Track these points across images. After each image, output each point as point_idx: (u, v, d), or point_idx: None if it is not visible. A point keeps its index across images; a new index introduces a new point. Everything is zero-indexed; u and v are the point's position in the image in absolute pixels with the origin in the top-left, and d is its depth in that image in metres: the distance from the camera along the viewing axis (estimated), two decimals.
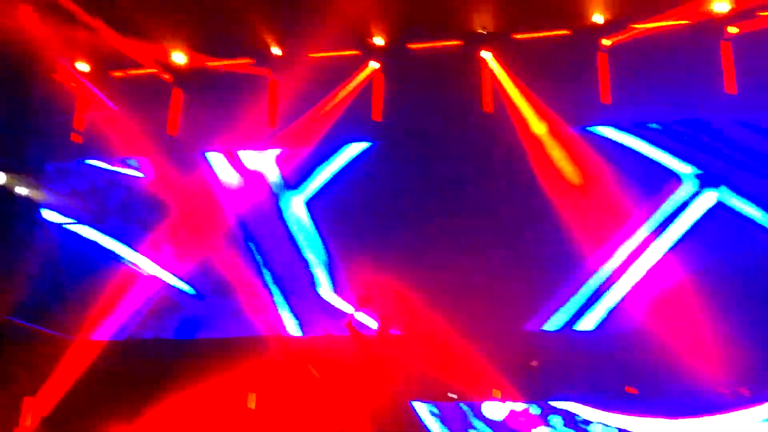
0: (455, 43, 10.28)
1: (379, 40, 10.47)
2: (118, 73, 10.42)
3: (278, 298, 9.97)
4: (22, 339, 9.20)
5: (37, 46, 8.97)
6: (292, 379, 8.92)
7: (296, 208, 10.37)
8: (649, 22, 9.50)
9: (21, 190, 8.51)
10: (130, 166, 10.85)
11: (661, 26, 9.52)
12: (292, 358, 8.97)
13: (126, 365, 9.63)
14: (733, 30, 9.25)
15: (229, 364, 9.15)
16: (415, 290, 8.67)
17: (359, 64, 10.55)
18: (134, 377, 9.48)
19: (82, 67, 10.44)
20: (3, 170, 8.45)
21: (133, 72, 10.74)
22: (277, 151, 10.68)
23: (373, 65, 10.48)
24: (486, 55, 10.19)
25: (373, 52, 10.51)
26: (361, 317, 7.56)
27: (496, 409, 8.52)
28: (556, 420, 8.40)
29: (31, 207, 8.86)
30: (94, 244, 10.27)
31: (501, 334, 9.10)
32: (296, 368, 8.84)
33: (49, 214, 9.73)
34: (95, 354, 9.58)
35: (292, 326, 9.79)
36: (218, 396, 8.97)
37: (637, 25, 9.60)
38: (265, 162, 10.63)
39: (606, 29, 9.80)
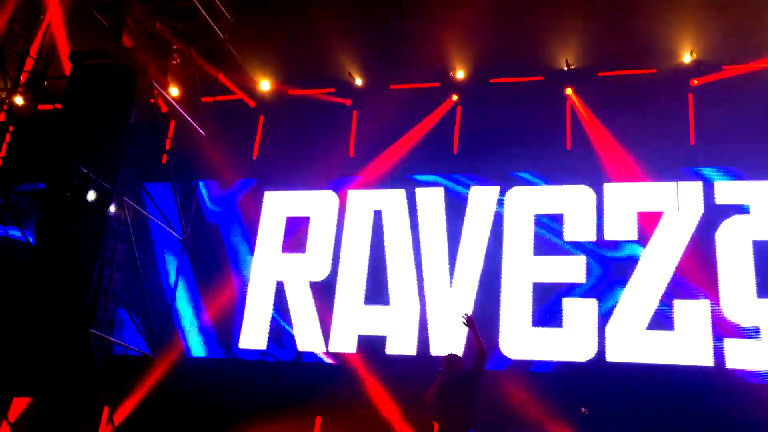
0: (538, 78, 10.28)
1: (460, 74, 10.57)
2: (207, 99, 10.79)
3: None
4: (105, 352, 9.55)
5: (137, 71, 9.40)
6: None
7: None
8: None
9: (113, 209, 8.89)
10: (216, 190, 11.20)
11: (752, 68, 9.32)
12: None
13: (197, 382, 9.89)
14: None
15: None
16: None
17: (440, 97, 10.65)
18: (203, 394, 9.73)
19: (174, 92, 10.91)
20: (96, 188, 8.84)
21: (222, 98, 11.16)
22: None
23: (454, 98, 10.58)
24: (569, 91, 10.15)
25: (454, 86, 10.62)
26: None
27: None
28: None
29: (120, 225, 9.23)
30: (174, 265, 10.63)
31: None
32: None
33: (138, 233, 10.11)
34: (169, 370, 9.86)
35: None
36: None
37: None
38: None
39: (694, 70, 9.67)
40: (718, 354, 8.71)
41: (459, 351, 9.40)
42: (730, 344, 8.74)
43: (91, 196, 8.80)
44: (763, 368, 8.55)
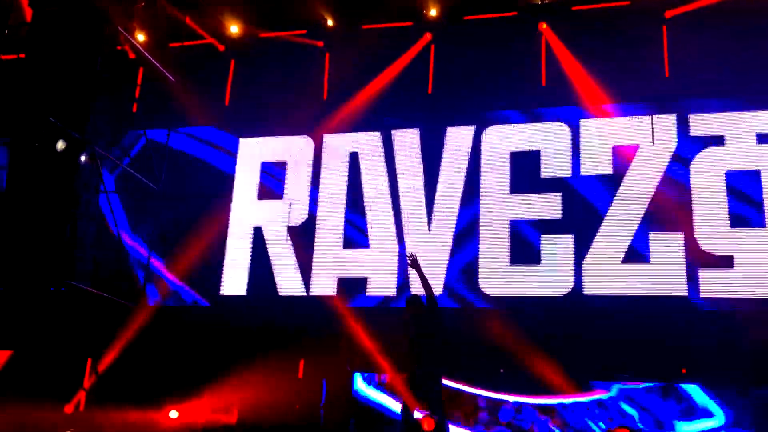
0: (511, 14, 10.14)
1: (433, 12, 10.39)
2: (175, 45, 10.54)
3: None
4: (84, 303, 9.52)
5: (101, 16, 9.13)
6: None
7: None
8: None
9: (83, 158, 8.74)
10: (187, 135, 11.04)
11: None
12: None
13: (177, 330, 9.93)
14: None
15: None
16: None
17: (413, 36, 10.48)
18: (186, 341, 9.78)
19: (141, 38, 10.64)
20: (65, 138, 8.67)
21: (190, 43, 10.90)
22: None
23: (428, 37, 10.42)
24: (543, 26, 10.03)
25: (427, 25, 10.45)
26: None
27: None
28: None
29: (92, 175, 9.11)
30: (152, 212, 10.55)
31: None
32: None
33: (109, 183, 9.98)
34: (150, 318, 9.88)
35: None
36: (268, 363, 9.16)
37: None
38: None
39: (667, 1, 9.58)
40: (693, 284, 8.87)
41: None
42: (704, 274, 8.89)
43: (60, 145, 8.64)
44: (736, 296, 8.73)
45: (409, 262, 6.92)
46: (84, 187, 9.11)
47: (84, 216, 9.23)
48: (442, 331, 6.87)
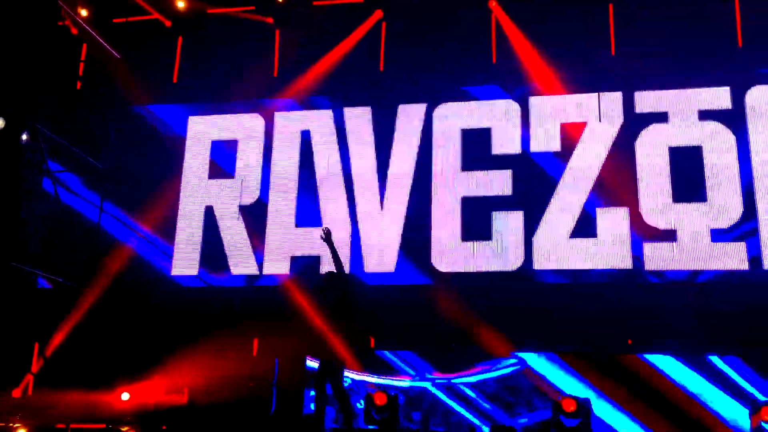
0: None
1: None
2: (120, 20, 10.26)
3: None
4: (29, 285, 9.32)
5: None
6: None
7: None
8: None
9: (24, 137, 8.49)
10: (133, 114, 10.79)
11: None
12: None
13: (128, 311, 9.80)
14: None
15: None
16: None
17: (364, 13, 10.41)
18: (137, 323, 9.67)
19: (84, 13, 10.33)
20: (4, 116, 8.41)
21: (135, 19, 10.63)
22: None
23: (379, 14, 10.37)
24: (493, 4, 10.08)
25: (378, 1, 10.39)
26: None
27: None
28: None
29: (35, 155, 8.86)
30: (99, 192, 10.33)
31: None
32: None
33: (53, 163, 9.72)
34: (100, 300, 9.72)
35: None
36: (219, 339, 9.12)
37: None
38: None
39: None
40: (637, 257, 9.11)
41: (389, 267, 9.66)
42: (648, 247, 9.14)
43: (0, 124, 8.38)
44: (679, 268, 9.01)
45: (322, 236, 6.98)
46: (28, 166, 8.86)
47: (29, 196, 8.99)
48: (354, 301, 7.01)
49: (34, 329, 9.56)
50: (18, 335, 9.52)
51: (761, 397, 8.01)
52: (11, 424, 7.82)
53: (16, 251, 8.78)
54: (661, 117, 9.49)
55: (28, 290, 9.40)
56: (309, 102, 10.40)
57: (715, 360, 8.35)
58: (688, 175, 9.24)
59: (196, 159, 10.54)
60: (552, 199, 9.49)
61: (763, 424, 7.61)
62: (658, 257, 9.10)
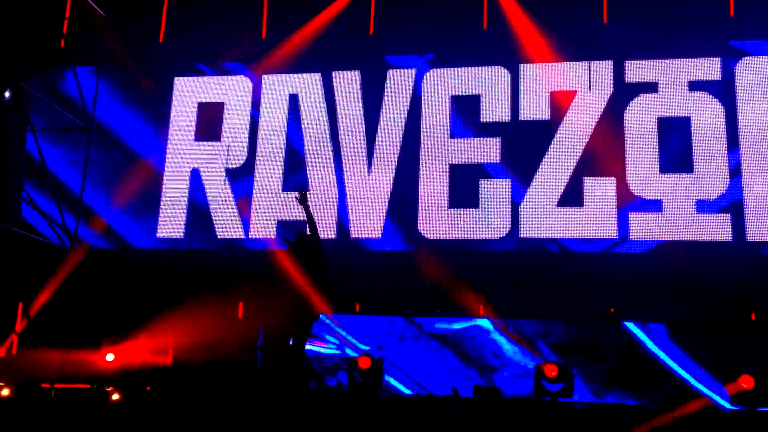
0: None
1: None
2: None
3: None
4: (14, 246, 9.24)
5: None
6: None
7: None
8: None
9: (6, 95, 8.35)
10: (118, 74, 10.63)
11: None
12: None
13: (112, 272, 9.77)
14: None
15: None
16: None
17: None
18: (122, 284, 9.65)
19: None
20: None
21: None
22: None
23: None
24: None
25: None
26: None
27: None
28: None
29: (19, 114, 8.72)
30: (82, 152, 10.22)
31: None
32: None
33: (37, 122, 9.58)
34: (84, 261, 9.68)
35: None
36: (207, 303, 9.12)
37: None
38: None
39: None
40: (623, 226, 9.16)
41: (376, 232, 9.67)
42: (634, 217, 9.18)
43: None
44: (663, 238, 9.06)
45: (297, 197, 6.95)
46: (10, 125, 8.73)
47: (14, 155, 8.87)
48: (325, 261, 6.98)
49: (18, 289, 9.52)
50: (2, 294, 9.48)
51: None
52: None
53: (1, 211, 8.68)
54: (651, 87, 9.46)
55: (11, 250, 9.32)
56: (297, 65, 10.27)
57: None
58: (675, 145, 9.25)
59: (182, 121, 10.43)
60: (539, 168, 9.48)
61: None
62: (643, 227, 9.14)
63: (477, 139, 9.72)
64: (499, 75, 9.84)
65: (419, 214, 9.67)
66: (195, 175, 10.24)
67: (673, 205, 9.11)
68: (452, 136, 9.81)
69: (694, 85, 9.37)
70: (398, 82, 10.06)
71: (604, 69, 9.60)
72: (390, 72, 10.08)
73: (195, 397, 7.51)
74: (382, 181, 9.81)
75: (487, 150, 9.66)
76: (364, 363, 8.26)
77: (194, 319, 8.89)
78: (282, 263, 9.23)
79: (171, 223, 10.13)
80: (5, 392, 7.69)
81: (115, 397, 7.87)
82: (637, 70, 9.54)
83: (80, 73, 10.04)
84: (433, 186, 9.71)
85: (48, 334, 9.15)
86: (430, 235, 9.62)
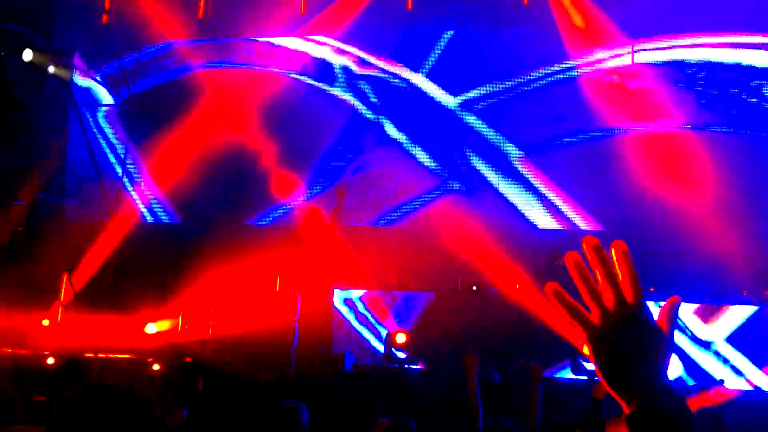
0: None
1: None
2: None
3: None
4: (57, 217, 9.42)
5: None
6: None
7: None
8: None
9: (51, 69, 8.46)
10: (160, 50, 10.72)
11: None
12: None
13: (153, 245, 9.89)
14: None
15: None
16: None
17: None
18: (162, 257, 9.77)
19: None
20: (33, 48, 8.36)
21: None
22: None
23: None
24: None
25: None
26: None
27: None
28: None
29: (63, 88, 8.84)
30: (126, 127, 10.34)
31: None
32: None
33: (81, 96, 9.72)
34: (126, 233, 9.81)
35: None
36: (243, 277, 9.18)
37: None
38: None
39: None
40: None
41: None
42: None
43: (27, 55, 8.34)
44: None
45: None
46: (54, 99, 8.87)
47: (54, 129, 9.00)
48: None
49: (63, 260, 9.70)
50: (47, 265, 9.66)
51: None
52: (41, 353, 8.00)
53: (41, 183, 8.83)
54: None
55: (55, 222, 9.51)
56: (335, 39, 10.23)
57: None
58: None
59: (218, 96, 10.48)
60: None
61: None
62: None
63: None
64: None
65: None
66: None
67: None
68: None
69: None
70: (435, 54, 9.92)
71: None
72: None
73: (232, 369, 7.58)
74: None
75: None
76: (401, 338, 8.25)
77: (233, 292, 8.96)
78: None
79: (210, 198, 10.22)
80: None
81: (156, 367, 8.00)
82: None
83: (122, 48, 10.10)
84: None
85: (90, 305, 9.33)
86: None
